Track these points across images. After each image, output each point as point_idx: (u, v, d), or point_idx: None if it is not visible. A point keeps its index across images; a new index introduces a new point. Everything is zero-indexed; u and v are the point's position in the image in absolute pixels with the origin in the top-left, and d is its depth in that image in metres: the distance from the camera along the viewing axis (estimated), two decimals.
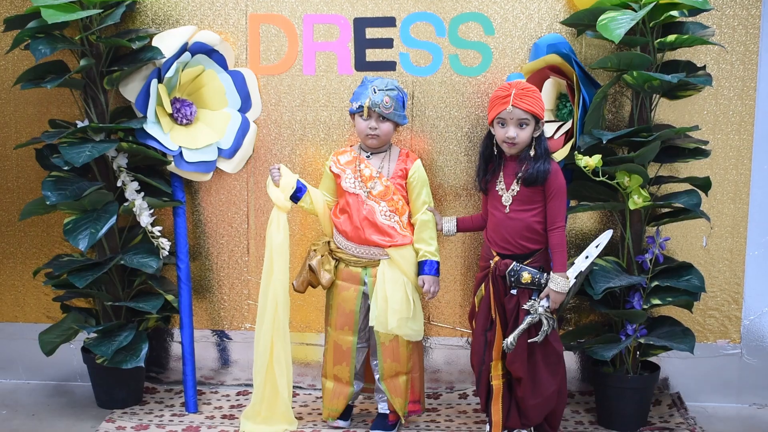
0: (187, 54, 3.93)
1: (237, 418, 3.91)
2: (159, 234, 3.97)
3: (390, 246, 3.63)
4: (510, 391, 3.62)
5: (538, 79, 3.86)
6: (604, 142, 3.57)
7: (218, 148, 4.02)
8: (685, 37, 3.58)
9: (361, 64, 4.07)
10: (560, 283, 3.42)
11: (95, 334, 3.94)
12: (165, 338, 4.32)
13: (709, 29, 3.67)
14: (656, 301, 3.74)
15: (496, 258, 3.54)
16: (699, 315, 4.11)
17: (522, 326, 3.43)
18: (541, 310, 3.43)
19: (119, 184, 3.93)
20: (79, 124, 3.85)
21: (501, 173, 3.55)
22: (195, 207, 4.21)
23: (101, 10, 3.74)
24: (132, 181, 3.94)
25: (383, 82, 3.64)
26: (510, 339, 3.42)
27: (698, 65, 3.76)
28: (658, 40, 3.62)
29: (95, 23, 3.78)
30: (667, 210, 3.88)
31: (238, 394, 4.19)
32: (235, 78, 4.07)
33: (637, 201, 3.63)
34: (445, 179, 4.11)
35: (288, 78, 4.11)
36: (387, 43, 4.06)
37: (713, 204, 4.02)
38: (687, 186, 3.83)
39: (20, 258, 4.34)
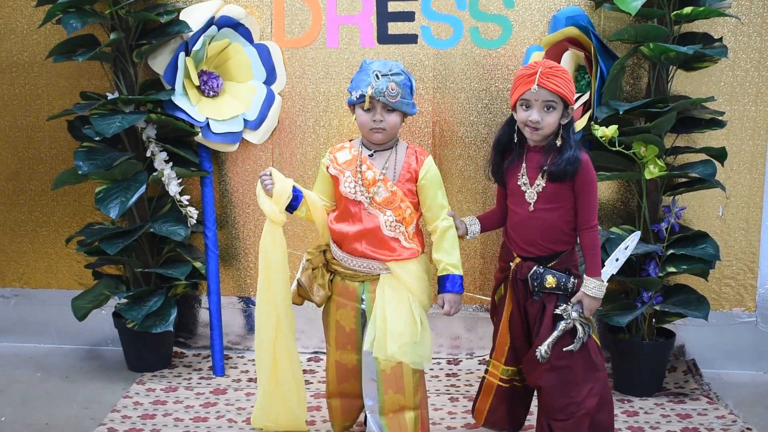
0: (213, 28, 3.95)
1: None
2: (187, 203, 4.03)
3: (391, 260, 3.13)
4: (524, 394, 3.33)
5: (556, 51, 3.87)
6: (621, 112, 3.57)
7: (244, 119, 4.06)
8: (701, 9, 3.58)
9: (384, 37, 4.08)
10: (595, 287, 3.05)
11: (126, 300, 4.01)
12: (193, 304, 4.38)
13: (726, 1, 3.66)
14: (672, 269, 3.75)
15: (517, 260, 3.16)
16: (715, 284, 4.12)
17: (555, 333, 3.04)
18: (575, 314, 3.04)
19: (148, 154, 3.98)
20: (110, 96, 3.90)
21: (523, 165, 3.13)
22: (222, 177, 4.26)
23: None
24: (161, 151, 3.98)
25: (386, 66, 3.09)
26: (543, 348, 3.03)
27: (715, 37, 3.75)
28: (675, 12, 3.61)
29: None
30: (683, 180, 3.88)
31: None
32: (261, 51, 4.10)
33: (653, 171, 3.64)
34: (466, 150, 4.13)
35: (312, 51, 4.13)
36: (409, 17, 4.07)
37: (729, 174, 4.02)
38: (703, 156, 3.82)
39: (53, 226, 4.41)
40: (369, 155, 3.16)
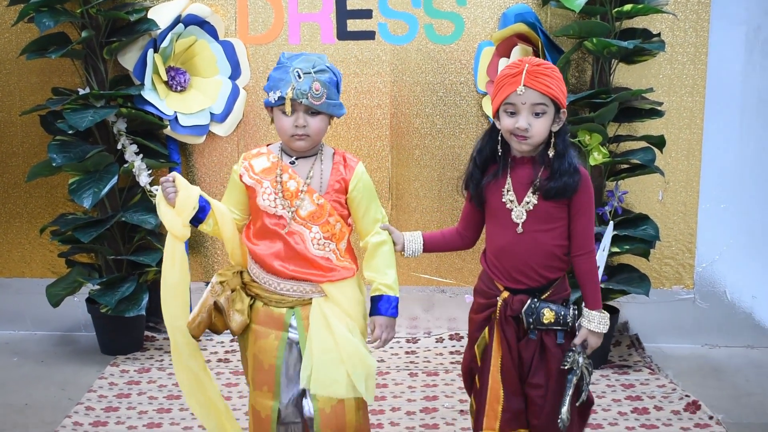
0: (180, 25, 4.09)
1: (231, 361, 4.11)
2: (155, 193, 4.12)
3: (326, 281, 2.60)
4: None
5: (506, 46, 4.07)
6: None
7: (210, 112, 4.20)
8: (640, 6, 3.80)
9: (343, 34, 4.24)
10: (600, 321, 2.59)
11: (99, 286, 4.13)
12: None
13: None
14: (615, 249, 3.94)
15: (505, 294, 2.60)
16: (656, 263, 4.33)
17: (569, 391, 2.56)
18: (581, 359, 2.57)
19: (119, 146, 4.10)
20: (81, 92, 4.03)
21: (508, 180, 2.60)
22: (189, 168, 4.39)
23: None
24: (131, 144, 4.10)
25: (308, 62, 2.54)
26: (564, 414, 2.54)
27: (653, 32, 3.98)
28: (616, 9, 3.82)
29: None
30: (625, 166, 4.07)
31: (232, 341, 4.39)
32: (226, 47, 4.24)
33: (597, 158, 3.84)
34: (422, 140, 4.31)
35: (275, 47, 4.28)
36: (367, 14, 4.24)
37: (668, 161, 4.23)
38: (643, 144, 4.03)
39: (26, 217, 4.50)
40: (290, 162, 2.62)
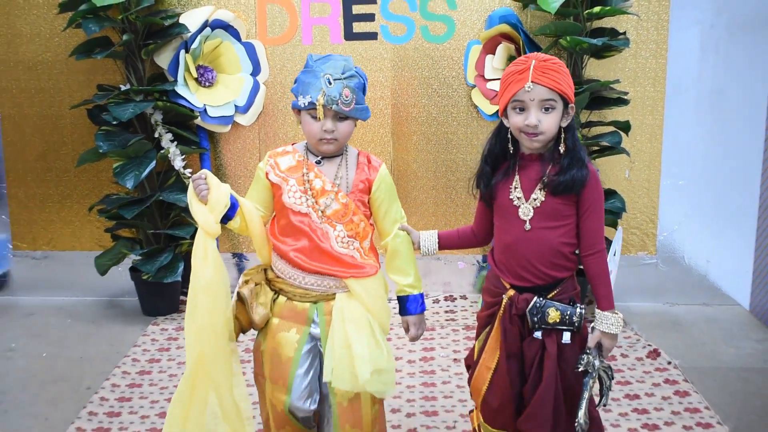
0: (208, 29, 4.24)
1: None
2: (189, 175, 4.26)
3: (350, 276, 2.44)
4: None
5: (492, 44, 4.24)
6: None
7: (235, 105, 4.35)
8: (608, 8, 3.96)
9: (349, 35, 4.40)
10: (613, 322, 2.34)
11: (140, 257, 4.30)
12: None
13: (628, 2, 4.06)
14: None
15: (511, 292, 2.39)
16: (623, 232, 4.45)
17: (586, 395, 2.34)
18: (597, 363, 2.34)
19: (156, 135, 4.23)
20: (123, 88, 4.15)
21: (517, 177, 2.38)
22: (217, 153, 4.55)
23: None
24: (167, 132, 4.23)
25: (338, 67, 2.38)
26: (581, 417, 2.32)
27: (620, 31, 4.14)
28: (587, 11, 3.98)
29: (133, 5, 4.07)
30: (596, 148, 4.22)
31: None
32: (248, 48, 4.39)
33: None
34: (420, 127, 4.48)
35: (290, 47, 4.44)
36: (370, 18, 4.39)
37: (634, 143, 4.40)
38: (611, 128, 4.19)
39: (76, 198, 4.65)
40: (316, 162, 2.47)
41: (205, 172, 2.42)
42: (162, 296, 4.42)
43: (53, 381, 3.66)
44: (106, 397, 3.49)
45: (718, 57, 4.37)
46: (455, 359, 3.84)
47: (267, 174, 2.49)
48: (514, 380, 2.42)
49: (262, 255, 2.56)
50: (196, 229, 2.44)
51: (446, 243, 2.61)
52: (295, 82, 2.44)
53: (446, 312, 4.46)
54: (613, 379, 2.39)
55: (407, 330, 2.61)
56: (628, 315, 4.37)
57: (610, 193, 4.21)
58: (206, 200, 2.38)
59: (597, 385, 2.39)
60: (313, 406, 2.52)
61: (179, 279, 4.27)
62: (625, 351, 3.89)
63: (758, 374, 3.69)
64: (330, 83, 2.36)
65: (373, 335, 2.43)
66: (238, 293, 2.50)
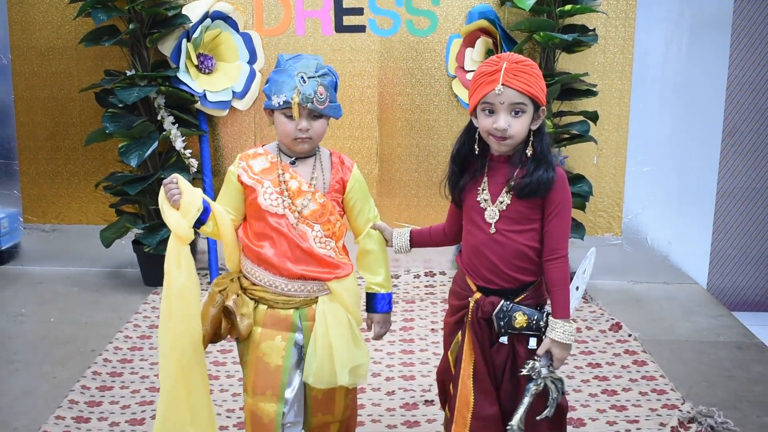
0: (208, 20, 4.26)
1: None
2: (189, 155, 4.33)
3: (333, 278, 2.31)
4: None
5: (471, 38, 4.29)
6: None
7: (232, 91, 4.38)
8: (578, 6, 4.03)
9: (340, 27, 4.44)
10: (565, 332, 2.13)
11: (142, 231, 4.35)
12: (195, 235, 4.72)
13: (597, 0, 4.13)
14: None
15: (477, 295, 2.23)
16: (591, 215, 4.56)
17: (526, 400, 2.15)
18: (544, 372, 2.15)
19: (159, 118, 4.27)
20: (128, 73, 4.20)
21: (485, 179, 2.23)
22: (215, 135, 4.58)
23: None
24: (169, 115, 4.27)
25: (311, 65, 2.24)
26: (515, 422, 2.15)
27: (590, 28, 4.19)
28: (559, 8, 4.05)
29: None
30: (566, 136, 4.29)
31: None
32: (245, 38, 4.42)
33: None
34: (404, 114, 4.52)
35: (284, 38, 4.48)
36: (359, 11, 4.43)
37: (602, 132, 4.46)
38: (581, 118, 4.25)
39: (83, 176, 4.68)
40: (291, 163, 2.32)
41: (176, 176, 2.21)
42: (162, 267, 4.42)
43: (60, 343, 3.71)
44: (109, 359, 3.55)
45: (680, 53, 4.43)
46: (432, 329, 3.91)
47: (239, 177, 2.30)
48: (486, 384, 2.24)
49: (232, 262, 2.36)
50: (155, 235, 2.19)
51: (418, 241, 2.46)
52: (267, 83, 2.29)
53: (426, 286, 4.53)
54: (562, 393, 2.19)
55: (370, 327, 2.48)
56: (594, 291, 4.44)
57: (579, 178, 4.27)
58: (178, 205, 2.18)
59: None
60: (299, 418, 2.40)
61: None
62: (589, 324, 3.97)
63: (711, 347, 3.77)
64: (304, 81, 2.22)
65: (352, 335, 2.34)
66: (225, 306, 2.29)
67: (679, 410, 3.10)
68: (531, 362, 2.16)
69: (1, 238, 4.71)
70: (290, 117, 2.24)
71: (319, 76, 2.24)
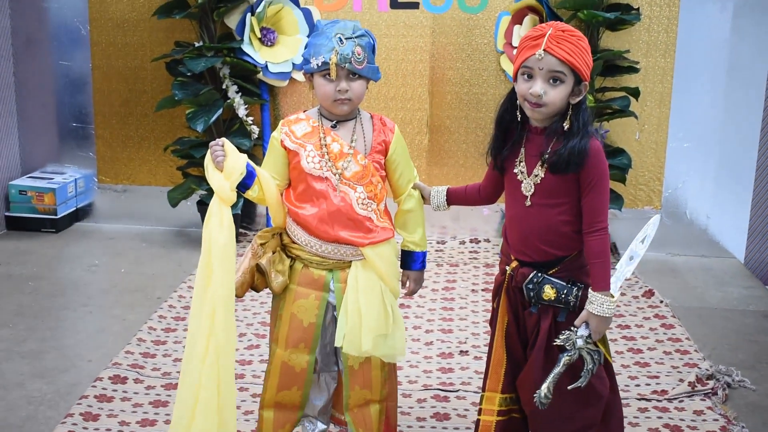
0: None
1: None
2: (251, 123, 4.60)
3: (368, 243, 2.34)
4: (526, 429, 2.43)
5: (519, 15, 4.49)
6: None
7: (293, 63, 4.64)
8: None
9: (395, 4, 4.65)
10: (603, 305, 2.12)
11: (207, 192, 4.63)
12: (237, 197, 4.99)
13: None
14: None
15: (514, 264, 2.28)
16: (631, 188, 4.71)
17: (557, 369, 2.15)
18: (580, 342, 2.13)
19: (224, 87, 4.54)
20: (197, 45, 4.48)
21: (522, 150, 2.24)
22: (276, 104, 4.83)
23: None
24: (233, 85, 4.53)
25: (348, 27, 2.28)
26: (543, 390, 2.14)
27: (634, 7, 4.36)
28: None
29: None
30: (608, 111, 4.45)
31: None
32: (305, 13, 4.67)
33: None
34: (453, 88, 4.74)
35: (342, 13, 4.71)
36: None
37: (644, 108, 4.61)
38: (622, 94, 4.41)
39: (152, 140, 4.97)
40: (332, 126, 2.35)
41: (222, 140, 2.29)
42: None
43: (130, 291, 4.08)
44: (173, 305, 3.90)
45: (724, 33, 4.55)
46: (473, 290, 4.17)
47: (282, 142, 2.35)
48: (515, 345, 2.34)
49: (277, 221, 2.44)
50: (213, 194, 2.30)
51: (454, 199, 2.50)
52: (305, 48, 2.34)
53: (470, 252, 4.78)
54: (598, 363, 2.17)
55: (404, 284, 2.54)
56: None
57: (619, 152, 4.45)
58: (222, 167, 2.26)
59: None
60: (336, 370, 2.51)
61: (239, 212, 4.60)
62: (623, 290, 4.17)
63: (740, 314, 3.95)
64: (342, 42, 2.23)
65: (383, 304, 2.36)
66: (257, 265, 2.37)
67: (699, 368, 3.32)
68: (566, 332, 2.15)
69: (77, 196, 5.09)
70: (329, 79, 2.25)
71: (356, 37, 2.26)
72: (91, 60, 4.92)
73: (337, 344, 2.37)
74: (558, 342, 2.17)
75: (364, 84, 2.33)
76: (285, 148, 2.36)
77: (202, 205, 4.75)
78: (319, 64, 2.25)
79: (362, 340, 2.32)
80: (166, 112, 4.85)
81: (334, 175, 2.32)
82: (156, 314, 3.77)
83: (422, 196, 2.51)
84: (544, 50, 2.06)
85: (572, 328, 2.17)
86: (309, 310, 2.39)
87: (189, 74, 4.45)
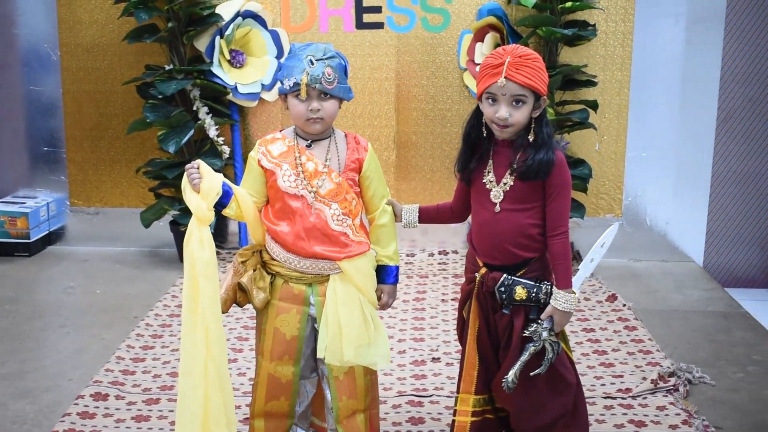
0: (239, 18, 4.60)
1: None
2: (222, 143, 4.66)
3: (344, 257, 2.44)
4: (499, 428, 2.63)
5: (481, 34, 4.62)
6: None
7: (261, 83, 4.72)
8: (578, 3, 4.34)
9: (360, 24, 4.78)
10: (566, 300, 2.36)
11: (179, 212, 4.69)
12: (225, 218, 4.89)
13: None
14: None
15: (483, 270, 2.46)
16: (593, 197, 4.86)
17: (523, 358, 2.38)
18: (545, 334, 2.37)
19: (195, 108, 4.59)
20: (167, 68, 4.55)
21: (490, 161, 2.43)
22: (245, 125, 4.92)
23: None
24: (203, 106, 4.59)
25: (319, 49, 2.38)
26: (510, 376, 2.37)
27: (590, 23, 4.51)
28: (561, 5, 4.36)
29: None
30: (568, 123, 4.60)
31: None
32: (273, 35, 4.76)
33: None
34: (419, 104, 4.87)
35: (309, 35, 4.81)
36: (378, 10, 4.78)
37: (603, 120, 4.76)
38: (582, 106, 4.57)
39: (124, 162, 5.02)
40: (307, 145, 2.46)
41: (198, 162, 2.38)
42: None
43: (106, 311, 4.14)
44: (150, 323, 3.98)
45: (677, 46, 4.73)
46: (443, 300, 4.30)
47: (259, 161, 2.46)
48: (487, 349, 2.52)
49: (256, 237, 2.55)
50: (191, 215, 2.37)
51: (426, 217, 2.65)
52: (280, 70, 2.45)
53: (439, 264, 4.91)
54: (557, 353, 2.40)
55: (379, 298, 2.60)
56: (596, 268, 4.75)
57: (580, 162, 4.60)
58: (198, 188, 2.34)
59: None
60: (315, 377, 2.61)
61: (212, 231, 4.66)
62: (587, 296, 4.33)
63: (699, 315, 4.12)
64: (312, 63, 2.35)
65: (362, 314, 2.46)
66: (239, 283, 2.47)
67: (661, 366, 3.47)
68: (534, 326, 2.37)
69: (50, 220, 5.13)
70: (301, 99, 2.37)
71: (327, 59, 2.37)
72: (61, 85, 4.99)
73: (319, 356, 2.46)
74: (526, 333, 2.39)
75: (336, 104, 2.43)
76: (262, 167, 2.46)
77: (175, 225, 4.82)
78: (291, 85, 2.37)
79: (343, 351, 2.42)
80: (137, 135, 4.91)
81: (310, 193, 2.42)
82: (134, 332, 3.85)
83: (394, 213, 2.62)
84: (505, 78, 2.26)
85: (539, 321, 2.38)
86: (291, 324, 2.49)
87: (160, 97, 4.52)
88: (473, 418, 2.54)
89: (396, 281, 2.63)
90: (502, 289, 2.41)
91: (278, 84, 2.45)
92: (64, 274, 4.71)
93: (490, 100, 2.33)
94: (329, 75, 2.36)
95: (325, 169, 2.44)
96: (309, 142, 2.47)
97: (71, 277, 4.67)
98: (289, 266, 2.47)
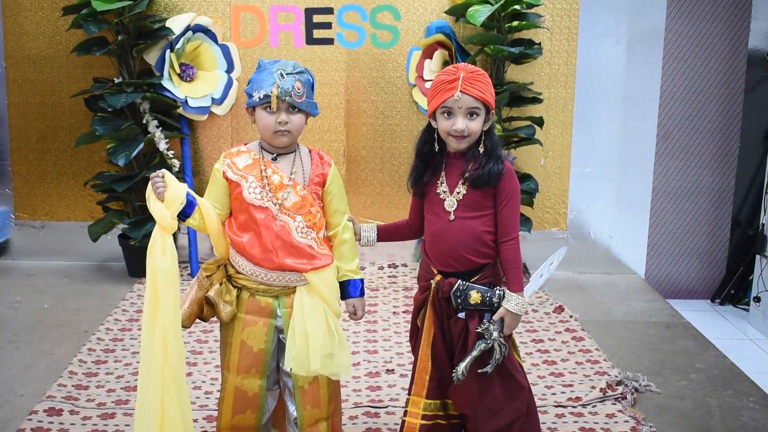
0: (190, 32, 4.62)
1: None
2: (172, 156, 4.64)
3: (311, 269, 2.49)
4: None
5: (429, 51, 4.72)
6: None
7: (212, 97, 4.74)
8: (524, 22, 4.48)
9: (310, 40, 4.83)
10: (518, 303, 2.46)
11: (128, 225, 4.68)
12: (176, 230, 5.03)
13: (542, 18, 4.60)
14: None
15: (438, 277, 2.55)
16: (538, 211, 4.98)
17: (474, 353, 2.47)
18: (496, 334, 2.47)
19: (144, 121, 4.59)
20: (116, 81, 4.54)
21: (443, 173, 2.55)
22: (195, 138, 4.93)
23: (132, 1, 4.41)
24: (153, 119, 4.59)
25: (289, 64, 2.44)
26: (461, 369, 2.46)
27: (536, 41, 4.65)
28: (507, 24, 4.49)
29: (127, 10, 4.44)
30: (515, 139, 4.71)
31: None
32: (223, 49, 4.79)
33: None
34: (368, 120, 4.93)
35: (259, 49, 4.85)
36: (328, 26, 4.83)
37: (548, 136, 4.89)
38: (528, 123, 4.68)
39: (71, 175, 4.98)
40: (272, 159, 2.51)
41: (162, 171, 2.41)
42: (146, 259, 4.82)
43: (56, 326, 4.09)
44: (101, 338, 3.95)
45: (618, 65, 4.89)
46: (394, 312, 4.35)
47: (225, 173, 2.49)
48: (441, 355, 2.60)
49: (219, 250, 2.57)
50: (154, 224, 2.39)
51: (384, 235, 2.73)
52: (248, 84, 2.48)
53: (389, 277, 4.97)
54: (504, 356, 2.49)
55: (354, 312, 2.65)
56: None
57: (526, 177, 4.72)
58: (163, 197, 2.37)
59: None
60: (277, 389, 2.65)
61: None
62: (536, 307, 4.43)
63: (642, 326, 4.25)
64: (283, 77, 2.41)
65: (328, 325, 2.50)
66: (207, 297, 2.49)
67: (608, 375, 3.58)
68: (486, 324, 2.47)
69: None
70: (271, 111, 2.42)
71: (296, 73, 2.44)
72: (6, 97, 4.93)
73: (286, 366, 2.50)
74: (478, 330, 2.49)
75: (303, 118, 2.49)
76: (227, 179, 2.49)
77: (124, 239, 4.80)
78: (261, 97, 2.41)
79: (310, 360, 2.47)
80: (84, 148, 4.89)
81: (275, 205, 2.46)
82: (85, 347, 3.82)
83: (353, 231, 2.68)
84: (460, 92, 2.40)
85: (491, 320, 2.49)
86: (258, 337, 2.53)
87: (109, 110, 4.51)
88: (423, 422, 2.63)
89: (363, 294, 2.67)
90: (458, 293, 2.50)
91: (247, 97, 2.49)
92: (10, 289, 4.64)
93: (445, 114, 2.46)
94: (299, 89, 2.42)
95: (290, 182, 2.49)
96: (275, 155, 2.52)
97: (17, 291, 4.60)
98: (256, 279, 2.50)
